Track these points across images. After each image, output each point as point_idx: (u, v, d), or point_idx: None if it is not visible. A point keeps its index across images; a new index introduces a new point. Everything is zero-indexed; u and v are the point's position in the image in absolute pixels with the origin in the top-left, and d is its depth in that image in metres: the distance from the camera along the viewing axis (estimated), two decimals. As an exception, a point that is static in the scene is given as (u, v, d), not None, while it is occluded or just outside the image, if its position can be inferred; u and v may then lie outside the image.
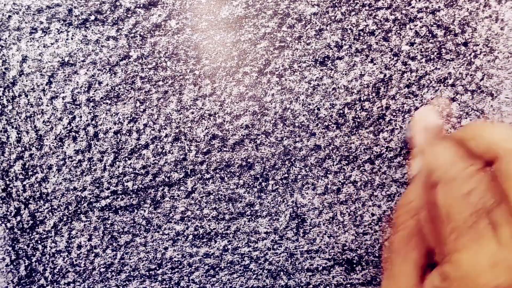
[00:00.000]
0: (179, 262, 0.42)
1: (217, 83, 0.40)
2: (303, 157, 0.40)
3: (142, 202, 0.41)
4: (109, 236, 0.42)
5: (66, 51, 0.40)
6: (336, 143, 0.40)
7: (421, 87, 0.39)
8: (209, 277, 0.42)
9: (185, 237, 0.41)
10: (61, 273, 0.42)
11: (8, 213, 0.42)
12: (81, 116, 0.41)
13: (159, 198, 0.41)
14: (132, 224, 0.41)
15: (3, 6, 0.40)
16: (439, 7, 0.38)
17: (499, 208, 0.19)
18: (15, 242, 0.42)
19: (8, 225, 0.42)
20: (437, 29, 0.38)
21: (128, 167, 0.41)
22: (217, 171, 0.41)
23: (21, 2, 0.40)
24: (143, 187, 0.41)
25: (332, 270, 0.41)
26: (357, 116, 0.39)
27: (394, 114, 0.39)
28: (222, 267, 0.41)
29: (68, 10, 0.40)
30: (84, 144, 0.41)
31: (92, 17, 0.40)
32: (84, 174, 0.41)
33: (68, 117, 0.41)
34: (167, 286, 0.42)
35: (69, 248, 0.42)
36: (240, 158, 0.40)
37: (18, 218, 0.42)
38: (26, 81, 0.41)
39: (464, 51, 0.39)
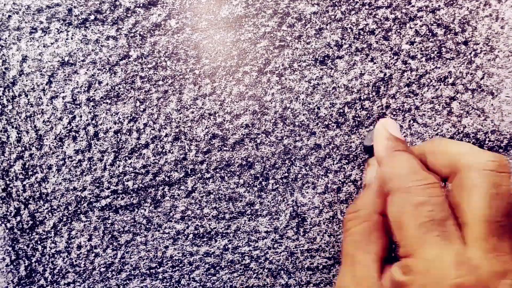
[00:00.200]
0: (179, 261, 0.42)
1: (217, 82, 0.40)
2: (303, 156, 0.40)
3: (143, 202, 0.41)
4: (110, 235, 0.42)
5: (66, 50, 0.40)
6: (336, 142, 0.40)
7: (421, 86, 0.39)
8: (209, 276, 0.42)
9: (185, 236, 0.41)
10: (61, 273, 0.42)
11: (8, 213, 0.42)
12: (81, 116, 0.41)
13: (160, 198, 0.41)
14: (133, 223, 0.41)
15: (3, 6, 0.40)
16: (439, 6, 0.38)
17: (449, 221, 0.20)
18: (15, 242, 0.42)
19: (8, 225, 0.42)
20: (437, 28, 0.39)
21: (128, 166, 0.41)
22: (217, 170, 0.41)
23: (21, 2, 0.40)
24: (143, 186, 0.41)
25: (333, 269, 0.41)
26: (357, 115, 0.39)
27: (394, 113, 0.39)
28: (223, 266, 0.41)
29: (68, 10, 0.40)
30: (84, 143, 0.41)
31: (92, 17, 0.40)
32: (84, 174, 0.41)
33: (68, 116, 0.41)
34: (167, 284, 0.42)
35: (69, 249, 0.42)
36: (240, 158, 0.40)
37: (18, 218, 0.42)
38: (26, 81, 0.41)
39: (465, 50, 0.39)
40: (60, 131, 0.41)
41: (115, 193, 0.41)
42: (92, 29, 0.40)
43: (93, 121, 0.41)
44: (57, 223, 0.42)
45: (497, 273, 0.18)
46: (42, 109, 0.41)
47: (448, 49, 0.39)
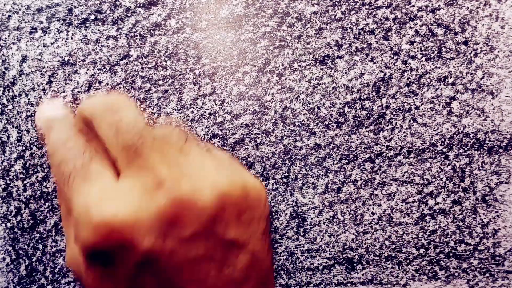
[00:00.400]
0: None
1: (217, 82, 0.40)
2: (303, 156, 0.40)
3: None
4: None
5: (66, 50, 0.40)
6: (336, 142, 0.40)
7: (421, 86, 0.39)
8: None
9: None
10: (61, 273, 0.42)
11: (9, 213, 0.42)
12: (81, 116, 0.41)
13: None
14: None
15: (3, 5, 0.40)
16: (439, 5, 0.38)
17: (96, 157, 0.22)
18: (15, 241, 0.42)
19: (9, 224, 0.42)
20: (437, 27, 0.38)
21: (128, 166, 0.41)
22: (217, 170, 0.41)
23: (21, 2, 0.40)
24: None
25: (333, 269, 0.41)
26: (357, 115, 0.39)
27: (394, 113, 0.39)
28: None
29: (68, 10, 0.40)
30: (84, 143, 0.41)
31: (92, 17, 0.40)
32: (85, 173, 0.41)
33: (68, 116, 0.41)
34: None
35: (70, 248, 0.42)
36: (240, 157, 0.40)
37: (19, 217, 0.42)
38: (26, 80, 0.41)
39: (465, 49, 0.39)
40: (61, 131, 0.41)
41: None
42: (92, 29, 0.40)
43: (93, 121, 0.41)
44: (58, 222, 0.42)
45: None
46: (43, 109, 0.41)
47: (448, 49, 0.39)
